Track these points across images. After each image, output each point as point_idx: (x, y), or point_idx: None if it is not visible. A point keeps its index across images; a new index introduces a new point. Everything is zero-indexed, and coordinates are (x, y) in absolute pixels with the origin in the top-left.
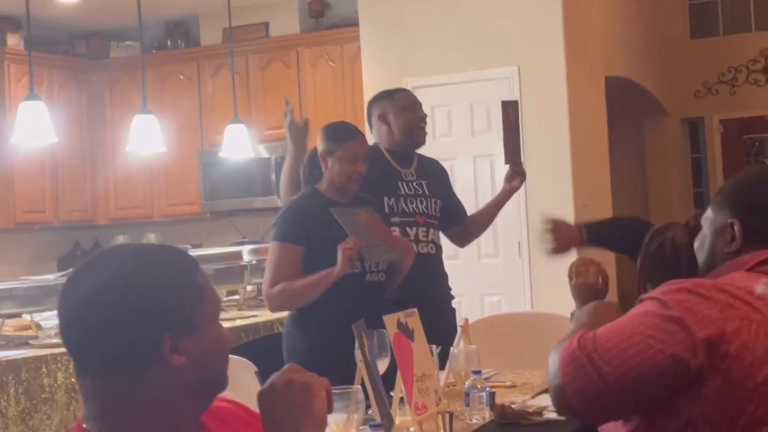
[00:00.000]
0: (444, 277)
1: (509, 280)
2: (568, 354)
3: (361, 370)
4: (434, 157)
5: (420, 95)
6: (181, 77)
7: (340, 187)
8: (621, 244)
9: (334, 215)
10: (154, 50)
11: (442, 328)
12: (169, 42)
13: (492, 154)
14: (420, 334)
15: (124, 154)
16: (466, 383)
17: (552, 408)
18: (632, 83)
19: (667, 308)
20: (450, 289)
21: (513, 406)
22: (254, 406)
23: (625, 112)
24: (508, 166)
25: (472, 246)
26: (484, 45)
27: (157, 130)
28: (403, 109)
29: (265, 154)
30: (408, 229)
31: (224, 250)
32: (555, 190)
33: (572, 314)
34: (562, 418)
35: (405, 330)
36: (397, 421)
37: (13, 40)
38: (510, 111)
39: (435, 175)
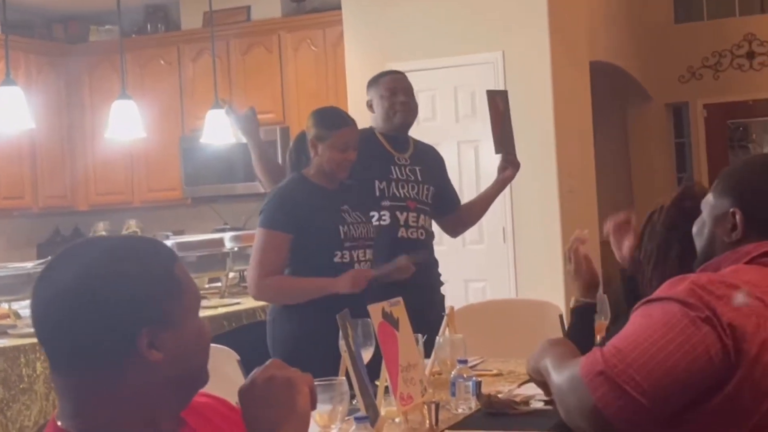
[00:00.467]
0: (434, 263)
1: (494, 267)
2: (596, 374)
3: (346, 360)
4: None
5: None
6: (161, 62)
7: (329, 173)
8: None
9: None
10: (134, 34)
11: (430, 314)
12: (149, 26)
13: (477, 139)
14: (405, 323)
15: (104, 139)
16: (452, 373)
17: (539, 397)
18: (616, 68)
19: (692, 309)
20: (440, 275)
21: (499, 395)
22: (237, 393)
23: (610, 96)
24: (498, 155)
25: None
26: (469, 30)
27: (137, 115)
28: (381, 97)
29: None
30: (398, 213)
31: (206, 237)
32: (539, 175)
33: (572, 307)
34: (549, 407)
35: (390, 319)
36: (383, 411)
37: None
38: (498, 101)
39: (430, 161)
